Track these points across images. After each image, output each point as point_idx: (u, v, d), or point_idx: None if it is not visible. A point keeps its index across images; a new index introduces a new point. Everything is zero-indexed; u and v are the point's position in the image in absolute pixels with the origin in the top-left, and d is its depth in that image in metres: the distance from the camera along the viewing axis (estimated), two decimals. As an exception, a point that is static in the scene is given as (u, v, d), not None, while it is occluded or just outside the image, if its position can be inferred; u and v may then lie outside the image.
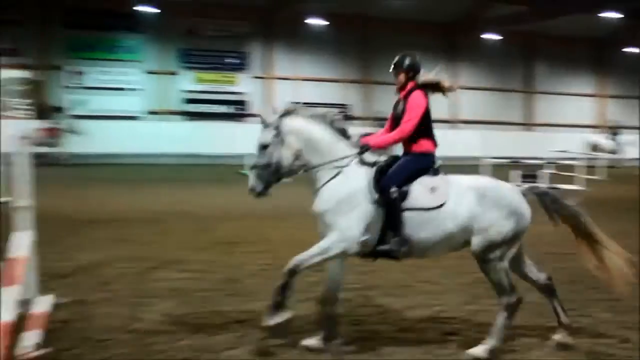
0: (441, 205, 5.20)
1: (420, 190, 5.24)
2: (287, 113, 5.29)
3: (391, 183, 5.18)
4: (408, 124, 5.26)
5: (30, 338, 5.17)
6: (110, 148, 19.89)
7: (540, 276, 5.50)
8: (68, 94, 23.99)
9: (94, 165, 20.43)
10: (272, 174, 5.24)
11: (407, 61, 5.44)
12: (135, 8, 23.86)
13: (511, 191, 5.40)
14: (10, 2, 22.08)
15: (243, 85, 26.59)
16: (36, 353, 4.91)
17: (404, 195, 5.16)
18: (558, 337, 5.36)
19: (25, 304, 5.79)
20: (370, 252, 5.27)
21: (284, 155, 5.22)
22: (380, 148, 5.43)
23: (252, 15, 25.17)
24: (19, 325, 5.35)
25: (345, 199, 5.14)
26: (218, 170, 16.60)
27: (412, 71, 5.42)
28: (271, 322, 4.96)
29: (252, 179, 5.19)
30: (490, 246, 5.22)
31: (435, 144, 5.48)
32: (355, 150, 5.29)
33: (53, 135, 17.77)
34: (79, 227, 10.11)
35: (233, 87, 26.55)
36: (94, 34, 24.52)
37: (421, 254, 5.56)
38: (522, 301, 5.32)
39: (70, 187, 15.23)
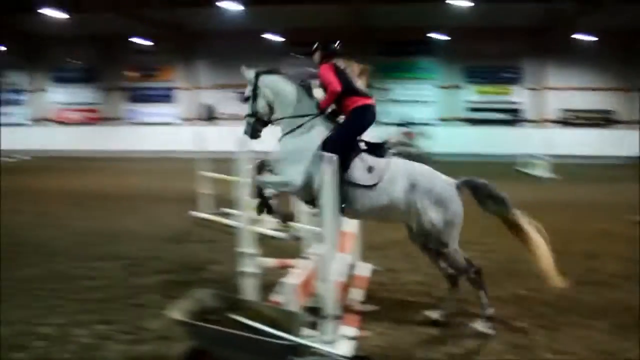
0: (374, 185, 4.93)
1: (359, 167, 5.00)
2: (263, 72, 5.32)
3: (333, 144, 4.89)
4: (330, 86, 5.05)
5: (356, 294, 5.58)
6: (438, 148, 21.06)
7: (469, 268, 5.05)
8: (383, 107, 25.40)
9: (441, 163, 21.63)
10: (255, 122, 5.25)
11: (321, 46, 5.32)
12: (429, 35, 26.54)
13: (442, 182, 5.00)
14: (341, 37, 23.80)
15: (517, 95, 27.72)
16: (361, 307, 5.29)
17: (344, 164, 4.87)
18: (478, 325, 4.94)
19: (352, 268, 6.22)
20: (312, 200, 5.07)
21: (260, 105, 5.25)
22: (325, 107, 5.17)
23: (525, 34, 24.76)
24: (348, 284, 5.75)
25: (296, 151, 5.04)
26: (497, 168, 16.22)
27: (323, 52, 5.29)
28: None
29: (244, 127, 5.24)
30: (425, 234, 4.94)
31: (367, 97, 5.14)
32: (316, 111, 5.18)
33: (411, 137, 19.88)
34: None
35: (508, 98, 27.75)
36: (399, 59, 27.85)
37: (362, 218, 5.48)
38: (481, 271, 5.04)
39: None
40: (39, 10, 22.68)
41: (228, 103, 28.17)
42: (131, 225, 9.53)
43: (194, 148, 10.75)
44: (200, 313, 3.62)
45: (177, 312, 3.64)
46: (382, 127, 14.77)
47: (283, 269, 5.27)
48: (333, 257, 4.31)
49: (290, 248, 7.14)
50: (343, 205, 4.92)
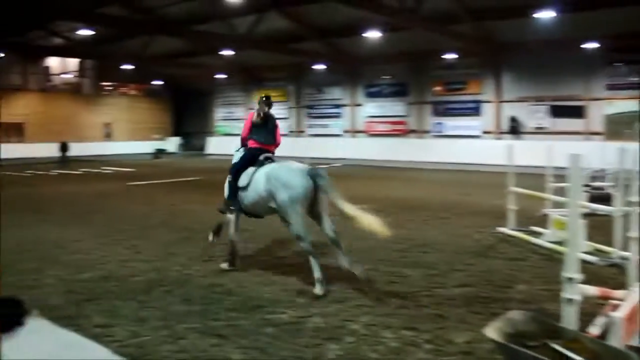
0: (247, 185, 6.89)
1: (242, 176, 6.99)
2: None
3: (232, 169, 7.19)
4: (241, 132, 7.50)
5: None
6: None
7: (330, 231, 6.39)
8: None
9: None
10: None
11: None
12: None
13: (288, 170, 6.50)
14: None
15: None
16: None
17: (235, 178, 7.07)
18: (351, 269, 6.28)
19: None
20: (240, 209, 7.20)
21: None
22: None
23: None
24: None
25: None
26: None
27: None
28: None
29: None
30: (280, 210, 6.48)
31: (258, 143, 7.19)
32: None
33: None
34: None
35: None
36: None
37: (251, 213, 7.15)
38: (311, 251, 6.30)
39: None
40: (362, 34, 24.97)
41: (534, 116, 27.12)
42: (436, 236, 9.59)
43: (504, 162, 10.44)
44: (516, 336, 3.38)
45: (494, 332, 3.46)
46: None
47: (603, 299, 4.72)
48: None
49: (604, 274, 6.54)
50: (241, 206, 7.10)
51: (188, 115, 44.74)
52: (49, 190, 17.07)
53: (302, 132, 36.89)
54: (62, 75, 40.42)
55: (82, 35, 28.93)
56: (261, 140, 7.26)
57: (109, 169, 25.67)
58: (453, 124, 30.20)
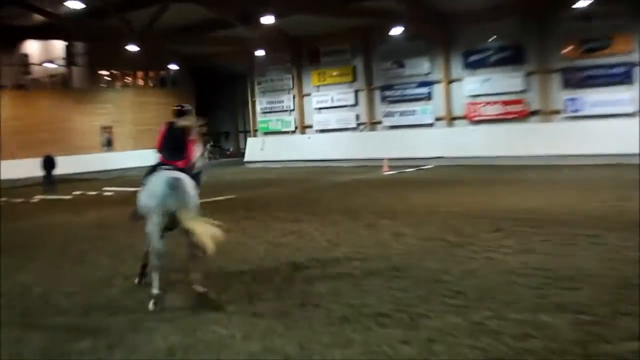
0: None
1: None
2: None
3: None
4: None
5: None
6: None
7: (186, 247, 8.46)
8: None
9: None
10: None
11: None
12: None
13: (156, 181, 8.43)
14: None
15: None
16: None
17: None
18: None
19: None
20: None
21: None
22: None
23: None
24: None
25: None
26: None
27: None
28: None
29: None
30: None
31: (162, 157, 9.04)
32: None
33: None
34: None
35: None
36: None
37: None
38: (156, 265, 8.27)
39: None
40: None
41: None
42: (585, 262, 9.37)
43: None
44: None
45: None
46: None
47: None
48: None
49: None
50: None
51: (217, 110, 44.79)
52: (30, 224, 17.37)
53: (376, 123, 37.13)
54: (45, 65, 41.03)
55: (69, 9, 29.52)
56: (166, 157, 9.02)
57: (110, 190, 26.05)
58: (594, 98, 29.68)
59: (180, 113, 8.96)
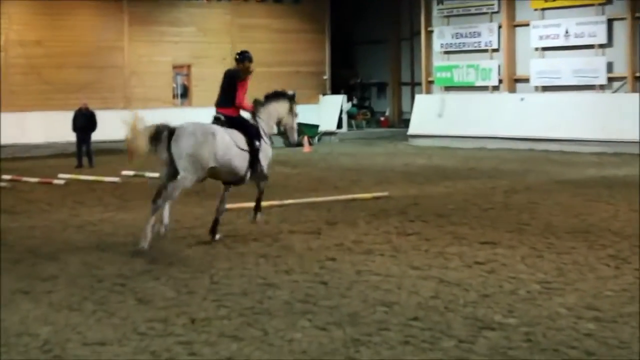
0: None
1: None
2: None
3: None
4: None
5: None
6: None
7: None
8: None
9: None
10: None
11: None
12: None
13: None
14: None
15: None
16: None
17: None
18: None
19: None
20: None
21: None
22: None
23: None
24: None
25: None
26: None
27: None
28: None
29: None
30: None
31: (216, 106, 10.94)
32: None
33: None
34: None
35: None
36: None
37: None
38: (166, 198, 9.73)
39: None
40: None
41: None
42: None
43: None
44: None
45: None
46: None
47: None
48: None
49: None
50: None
51: (365, 48, 40.79)
52: (45, 220, 14.36)
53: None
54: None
55: None
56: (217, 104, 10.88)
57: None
58: None
59: (243, 58, 10.30)
